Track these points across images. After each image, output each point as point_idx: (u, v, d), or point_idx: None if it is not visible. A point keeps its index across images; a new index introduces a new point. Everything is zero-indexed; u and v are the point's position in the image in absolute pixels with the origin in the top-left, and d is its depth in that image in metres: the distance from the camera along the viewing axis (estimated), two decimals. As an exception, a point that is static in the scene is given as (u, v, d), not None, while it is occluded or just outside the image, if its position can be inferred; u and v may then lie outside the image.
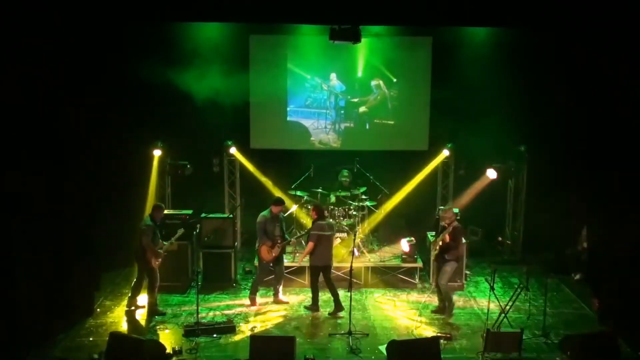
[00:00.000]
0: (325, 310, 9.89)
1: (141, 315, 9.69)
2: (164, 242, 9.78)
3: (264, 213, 10.01)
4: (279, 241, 9.93)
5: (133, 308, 9.75)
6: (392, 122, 12.93)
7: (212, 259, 10.85)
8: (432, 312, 9.71)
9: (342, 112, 12.95)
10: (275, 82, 12.57)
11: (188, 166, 11.91)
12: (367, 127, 12.99)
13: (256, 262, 10.65)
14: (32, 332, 8.46)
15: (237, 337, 8.93)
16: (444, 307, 9.68)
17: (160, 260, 9.67)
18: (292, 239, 10.09)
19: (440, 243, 9.40)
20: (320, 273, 9.84)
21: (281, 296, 10.22)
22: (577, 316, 9.87)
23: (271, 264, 10.04)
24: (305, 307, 10.01)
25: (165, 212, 10.88)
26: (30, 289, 8.48)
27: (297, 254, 11.07)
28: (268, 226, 9.90)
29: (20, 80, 8.20)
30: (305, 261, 10.27)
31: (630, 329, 8.66)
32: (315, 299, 9.96)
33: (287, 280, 10.89)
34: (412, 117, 12.93)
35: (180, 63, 11.39)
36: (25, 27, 8.18)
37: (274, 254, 9.90)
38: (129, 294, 9.83)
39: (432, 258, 9.76)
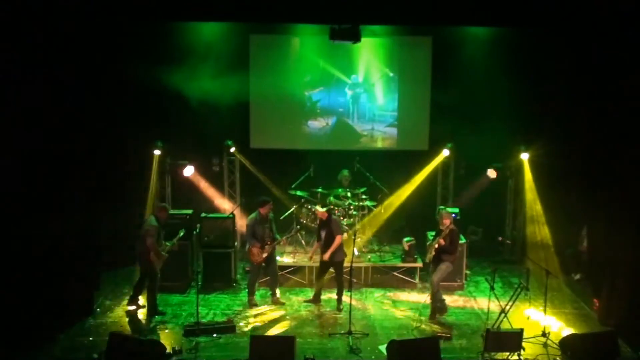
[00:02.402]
0: (325, 310, 9.92)
1: (141, 315, 9.69)
2: (167, 243, 9.77)
3: (253, 215, 9.98)
4: (269, 242, 9.91)
5: (134, 308, 9.75)
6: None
7: (212, 259, 10.84)
8: (429, 321, 9.53)
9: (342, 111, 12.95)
10: (275, 82, 12.57)
11: (188, 166, 11.89)
12: (367, 126, 12.98)
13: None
14: (32, 332, 8.47)
15: (237, 337, 8.93)
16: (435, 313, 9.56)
17: (162, 261, 9.66)
18: (283, 239, 10.04)
19: (436, 246, 9.35)
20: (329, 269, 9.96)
21: (278, 296, 10.21)
22: (577, 316, 9.87)
23: (263, 265, 10.02)
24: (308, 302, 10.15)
25: (166, 212, 10.92)
26: (30, 288, 8.48)
27: (297, 254, 11.15)
28: (257, 228, 9.87)
29: (19, 81, 8.20)
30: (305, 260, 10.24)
31: (630, 329, 8.66)
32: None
33: (286, 280, 10.89)
34: (412, 117, 12.93)
35: (181, 63, 11.38)
36: (24, 27, 8.18)
37: (264, 255, 9.88)
38: (131, 293, 9.84)
39: (427, 260, 9.70)
